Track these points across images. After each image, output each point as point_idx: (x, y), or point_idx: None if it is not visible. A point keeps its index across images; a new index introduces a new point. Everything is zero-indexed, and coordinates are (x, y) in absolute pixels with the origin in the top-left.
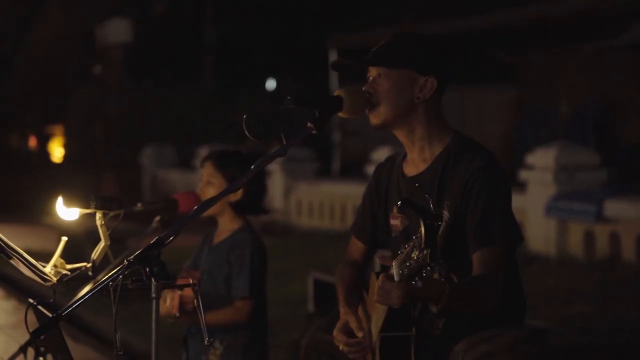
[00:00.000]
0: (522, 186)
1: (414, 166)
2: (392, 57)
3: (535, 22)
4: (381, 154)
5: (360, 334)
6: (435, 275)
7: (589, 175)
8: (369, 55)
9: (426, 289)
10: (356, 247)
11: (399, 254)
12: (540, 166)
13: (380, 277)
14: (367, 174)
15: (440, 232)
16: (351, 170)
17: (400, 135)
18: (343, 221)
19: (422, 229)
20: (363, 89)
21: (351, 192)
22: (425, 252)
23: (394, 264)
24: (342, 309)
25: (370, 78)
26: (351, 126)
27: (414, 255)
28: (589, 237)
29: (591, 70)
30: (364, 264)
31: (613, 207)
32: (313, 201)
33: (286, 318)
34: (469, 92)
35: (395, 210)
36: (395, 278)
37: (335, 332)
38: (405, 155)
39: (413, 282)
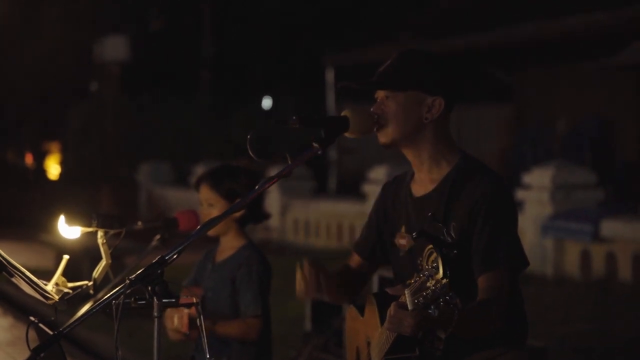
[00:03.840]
0: (518, 205)
1: (421, 186)
2: (398, 79)
3: (532, 40)
4: (378, 173)
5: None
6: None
7: (585, 195)
8: (374, 77)
9: (438, 318)
10: (353, 259)
11: (414, 282)
12: (537, 185)
13: (393, 305)
14: (364, 192)
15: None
16: (347, 188)
17: (409, 154)
18: (339, 239)
19: (440, 259)
20: (371, 110)
21: (347, 211)
22: (443, 281)
23: (406, 292)
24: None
25: (378, 99)
26: (348, 144)
27: (430, 284)
28: (586, 257)
29: (588, 88)
30: (356, 273)
31: (609, 227)
32: (309, 219)
33: (283, 336)
34: (466, 110)
35: (403, 229)
36: (409, 307)
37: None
38: (413, 175)
39: (429, 311)
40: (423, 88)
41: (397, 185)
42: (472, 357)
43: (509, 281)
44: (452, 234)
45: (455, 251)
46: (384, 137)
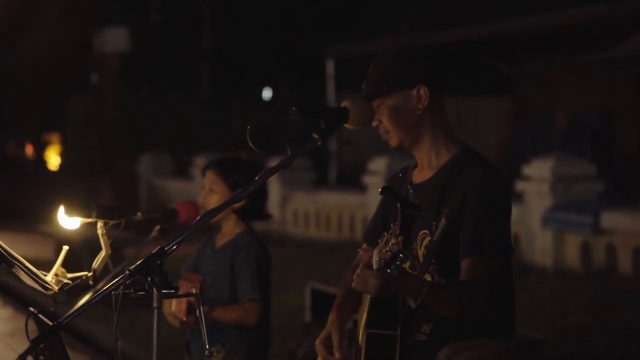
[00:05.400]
0: (518, 197)
1: (421, 174)
2: (378, 87)
3: (532, 32)
4: (378, 164)
5: (337, 355)
6: (407, 266)
7: (585, 187)
8: (362, 92)
9: (402, 282)
10: (365, 252)
11: (379, 242)
12: (537, 177)
13: (361, 265)
14: (364, 183)
15: (436, 238)
16: (347, 179)
17: (413, 148)
18: (339, 231)
19: (399, 217)
20: (373, 122)
21: (347, 202)
22: (399, 238)
23: (374, 252)
24: (331, 316)
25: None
26: (348, 136)
27: (391, 243)
28: (586, 249)
29: (588, 81)
30: None
31: (609, 219)
32: (309, 211)
33: (283, 328)
34: (465, 102)
35: None
36: (374, 266)
37: (317, 342)
38: (416, 164)
39: (389, 271)
40: (401, 85)
41: (402, 175)
42: (456, 345)
43: (491, 268)
44: (444, 220)
45: (417, 213)
46: (392, 141)
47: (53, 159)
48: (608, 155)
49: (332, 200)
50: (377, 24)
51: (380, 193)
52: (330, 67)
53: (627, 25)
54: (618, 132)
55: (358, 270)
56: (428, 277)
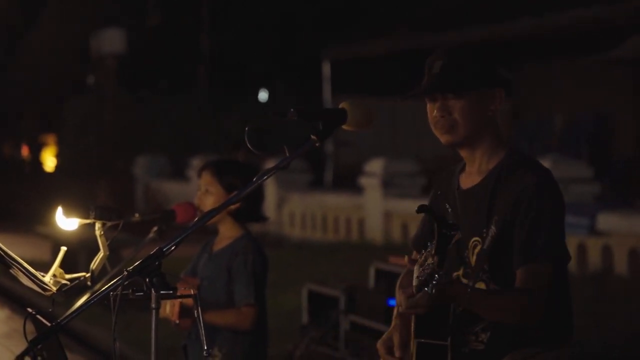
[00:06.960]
0: None
1: (469, 179)
2: (460, 80)
3: (530, 35)
4: (374, 166)
5: (398, 354)
6: (460, 274)
7: (582, 189)
8: (432, 81)
9: (442, 294)
10: (410, 264)
11: (419, 258)
12: None
13: (402, 295)
14: (360, 185)
15: (486, 247)
16: (344, 181)
17: (464, 150)
18: (336, 232)
19: (436, 237)
20: (434, 113)
21: (344, 203)
22: (434, 259)
23: (415, 267)
24: (394, 322)
25: (437, 101)
26: (344, 137)
27: (429, 261)
28: (582, 250)
29: (585, 83)
30: None
31: (606, 221)
32: (306, 212)
33: (279, 329)
34: None
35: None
36: (414, 283)
37: (378, 343)
38: (463, 167)
39: (426, 289)
40: (487, 82)
41: (447, 178)
42: (514, 354)
43: (547, 274)
44: (494, 228)
45: (453, 233)
46: (454, 136)
47: (49, 160)
48: (605, 157)
49: (329, 201)
50: (374, 25)
51: (417, 211)
52: (326, 69)
53: (626, 27)
54: (615, 134)
55: (402, 302)
56: (482, 285)
